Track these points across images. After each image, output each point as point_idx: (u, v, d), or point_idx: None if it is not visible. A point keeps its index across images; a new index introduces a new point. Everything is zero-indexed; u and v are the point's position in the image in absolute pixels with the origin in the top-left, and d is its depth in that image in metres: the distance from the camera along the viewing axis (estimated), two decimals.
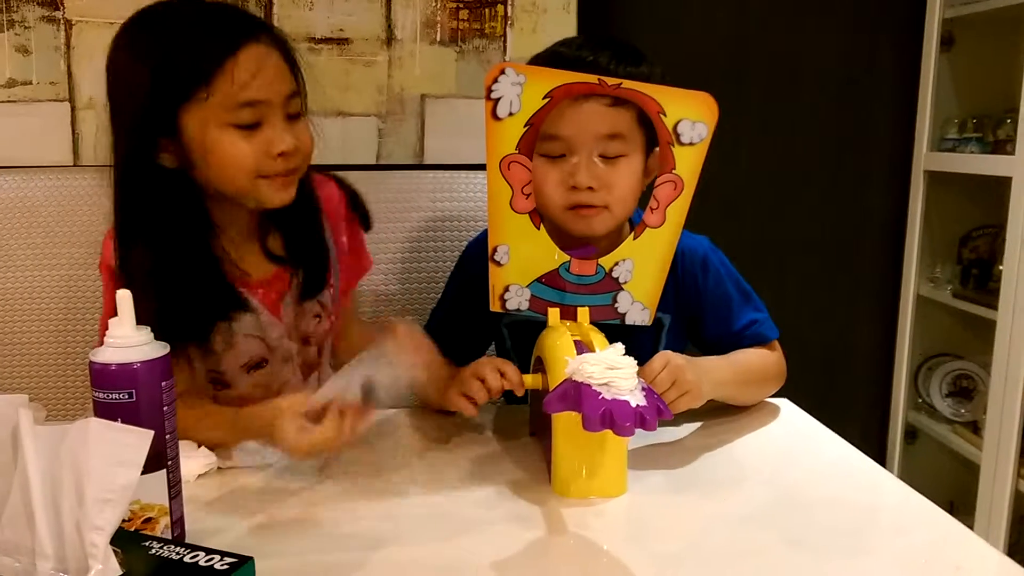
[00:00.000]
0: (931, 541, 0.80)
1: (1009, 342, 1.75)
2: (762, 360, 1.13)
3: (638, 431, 0.76)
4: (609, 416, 0.75)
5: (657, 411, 0.78)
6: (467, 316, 1.16)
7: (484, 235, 1.06)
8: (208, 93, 0.93)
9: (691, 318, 1.16)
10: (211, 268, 1.01)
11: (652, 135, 1.03)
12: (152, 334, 0.72)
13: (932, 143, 2.02)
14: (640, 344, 0.93)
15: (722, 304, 1.14)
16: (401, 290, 1.20)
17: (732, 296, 1.15)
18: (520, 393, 0.97)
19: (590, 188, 1.00)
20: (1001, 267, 1.81)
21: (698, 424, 1.07)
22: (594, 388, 0.78)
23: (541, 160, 1.01)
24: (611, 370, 0.78)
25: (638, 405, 0.77)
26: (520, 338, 1.12)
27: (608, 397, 0.77)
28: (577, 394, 0.78)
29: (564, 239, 1.00)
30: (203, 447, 0.93)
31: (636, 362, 0.81)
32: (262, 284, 1.07)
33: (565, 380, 0.81)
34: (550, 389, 0.84)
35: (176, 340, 0.80)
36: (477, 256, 1.14)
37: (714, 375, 1.03)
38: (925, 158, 2.02)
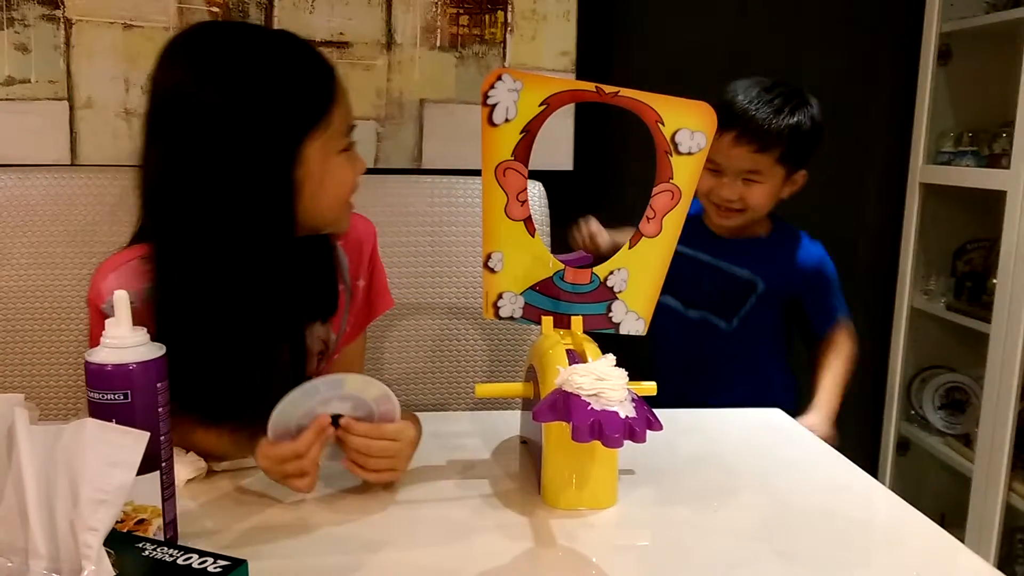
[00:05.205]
0: (922, 553, 0.80)
1: (1002, 355, 1.76)
2: (846, 365, 1.48)
3: (627, 442, 0.76)
4: (598, 427, 0.75)
5: (647, 423, 0.77)
6: None
7: None
8: (330, 120, 0.91)
9: (791, 298, 1.49)
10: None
11: (792, 169, 1.43)
12: (147, 336, 0.72)
13: (928, 156, 2.03)
14: (732, 300, 1.47)
15: (822, 299, 1.51)
16: (397, 296, 1.20)
17: (830, 291, 1.52)
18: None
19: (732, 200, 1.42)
20: (995, 280, 1.82)
21: (689, 435, 1.07)
22: (583, 399, 0.78)
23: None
24: (600, 381, 0.78)
25: (627, 416, 0.76)
26: None
27: (597, 408, 0.76)
28: (566, 404, 0.78)
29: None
30: (191, 452, 0.93)
31: (626, 373, 0.81)
32: None
33: (555, 390, 0.81)
34: (541, 398, 0.84)
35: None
36: None
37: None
38: (921, 171, 2.03)
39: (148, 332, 0.82)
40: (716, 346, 1.50)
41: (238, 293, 0.88)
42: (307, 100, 0.89)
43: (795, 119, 1.40)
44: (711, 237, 1.51)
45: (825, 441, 1.11)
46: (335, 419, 0.85)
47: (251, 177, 0.87)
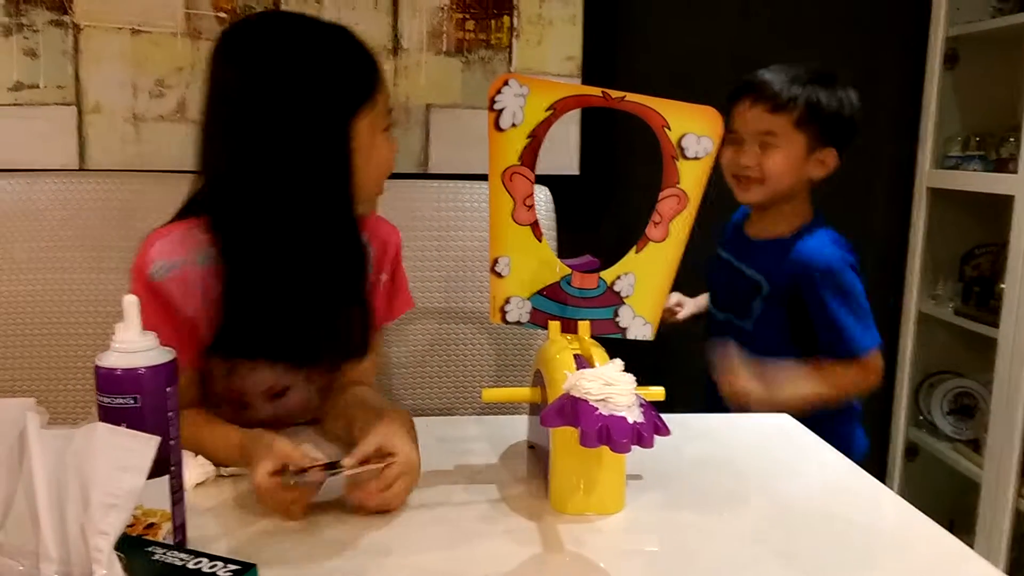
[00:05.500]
0: (931, 559, 0.80)
1: (1010, 360, 1.76)
2: (820, 388, 1.36)
3: (635, 448, 0.76)
4: (606, 432, 0.75)
5: (654, 428, 0.77)
6: None
7: None
8: (376, 101, 1.00)
9: (793, 298, 1.41)
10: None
11: (814, 137, 1.42)
12: (157, 340, 0.72)
13: (935, 161, 2.03)
14: (743, 300, 1.47)
15: (821, 304, 1.39)
16: None
17: (835, 314, 1.38)
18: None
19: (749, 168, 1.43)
20: (1003, 285, 1.82)
21: (697, 440, 1.07)
22: (591, 404, 0.77)
23: None
24: (608, 386, 0.78)
25: (635, 422, 0.76)
26: None
27: (605, 413, 0.76)
28: (574, 409, 0.78)
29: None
30: (200, 456, 0.92)
31: (634, 378, 0.81)
32: None
33: (562, 395, 0.81)
34: (549, 403, 0.84)
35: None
36: None
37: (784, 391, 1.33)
38: (928, 175, 2.03)
39: (208, 294, 0.98)
40: (739, 347, 1.49)
41: (304, 252, 0.98)
42: (358, 79, 0.99)
43: (813, 89, 1.41)
44: (742, 240, 1.53)
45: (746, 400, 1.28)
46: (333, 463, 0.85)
47: (312, 147, 0.96)
